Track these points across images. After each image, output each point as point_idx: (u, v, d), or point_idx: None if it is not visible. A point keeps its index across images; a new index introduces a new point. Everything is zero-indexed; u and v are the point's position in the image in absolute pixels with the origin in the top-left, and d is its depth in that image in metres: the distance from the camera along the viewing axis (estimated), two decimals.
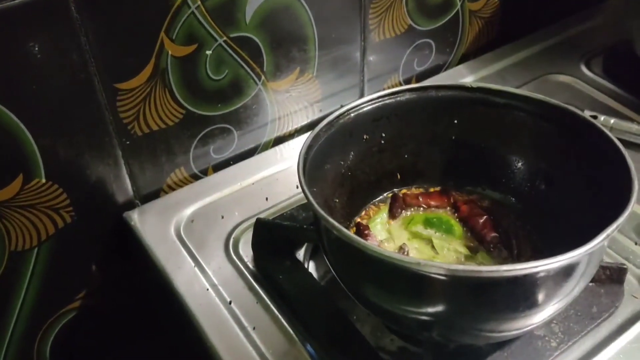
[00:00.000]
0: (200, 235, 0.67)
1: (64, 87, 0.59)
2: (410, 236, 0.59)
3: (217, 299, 0.60)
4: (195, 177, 0.75)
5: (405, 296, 0.47)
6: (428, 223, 0.60)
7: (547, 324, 0.55)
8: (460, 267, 0.43)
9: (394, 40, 0.82)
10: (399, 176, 0.63)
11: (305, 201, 0.48)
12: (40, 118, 0.59)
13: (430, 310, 0.46)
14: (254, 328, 0.57)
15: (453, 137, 0.62)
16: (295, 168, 0.51)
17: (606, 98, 0.84)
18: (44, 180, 0.62)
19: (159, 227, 0.68)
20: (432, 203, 0.62)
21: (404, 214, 0.62)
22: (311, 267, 0.64)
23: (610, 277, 0.58)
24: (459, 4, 0.86)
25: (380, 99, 0.59)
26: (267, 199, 0.71)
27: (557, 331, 0.55)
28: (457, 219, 0.61)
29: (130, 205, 0.71)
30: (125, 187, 0.69)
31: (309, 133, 0.54)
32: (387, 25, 0.80)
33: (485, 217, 0.60)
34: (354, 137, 0.59)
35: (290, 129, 0.80)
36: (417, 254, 0.57)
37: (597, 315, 0.56)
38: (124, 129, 0.65)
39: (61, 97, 0.59)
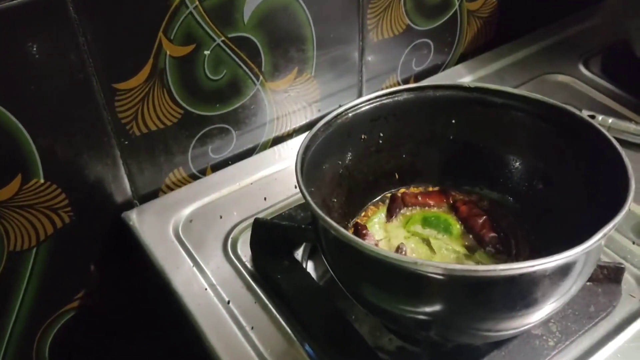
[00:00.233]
0: (198, 235, 0.67)
1: (63, 87, 0.59)
2: (408, 236, 0.59)
3: (215, 299, 0.60)
4: (194, 177, 0.75)
5: (403, 296, 0.47)
6: (426, 222, 0.60)
7: (545, 323, 0.55)
8: (457, 266, 0.44)
9: (392, 40, 0.82)
10: (397, 176, 0.64)
11: (304, 201, 0.48)
12: (38, 118, 0.59)
13: (428, 309, 0.46)
14: (252, 328, 0.57)
15: (451, 137, 0.62)
16: (293, 168, 0.51)
17: (604, 98, 0.84)
18: (42, 181, 0.62)
19: (158, 227, 0.68)
20: (431, 202, 0.62)
21: (402, 214, 0.62)
22: (309, 267, 0.64)
23: (608, 276, 0.58)
24: (457, 3, 0.86)
25: (378, 99, 0.59)
26: (265, 198, 0.71)
27: (555, 330, 0.55)
28: (456, 219, 0.61)
29: (128, 205, 0.71)
30: (123, 187, 0.69)
31: (306, 133, 0.54)
32: (386, 25, 0.80)
33: (484, 217, 0.60)
34: (352, 137, 0.59)
35: (288, 129, 0.80)
36: (414, 253, 0.57)
37: (594, 315, 0.56)
38: (122, 129, 0.65)
39: (60, 97, 0.59)
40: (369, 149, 0.61)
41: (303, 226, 0.63)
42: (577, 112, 0.55)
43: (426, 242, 0.59)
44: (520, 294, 0.44)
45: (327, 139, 0.56)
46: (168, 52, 0.64)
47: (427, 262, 0.43)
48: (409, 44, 0.85)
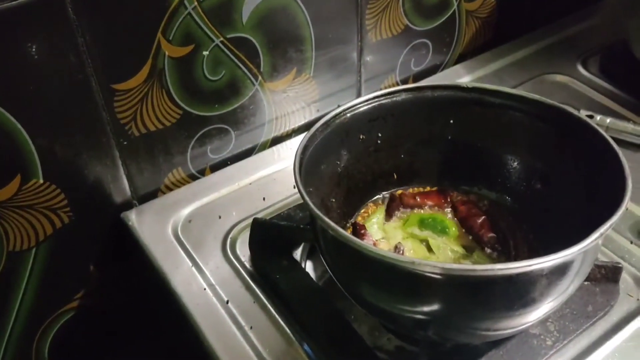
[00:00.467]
0: (197, 235, 0.67)
1: (62, 87, 0.59)
2: (407, 236, 0.60)
3: (214, 299, 0.60)
4: (193, 177, 0.75)
5: (401, 295, 0.47)
6: (423, 224, 0.60)
7: (543, 322, 0.55)
8: (455, 265, 0.44)
9: (390, 41, 0.82)
10: (395, 176, 0.64)
11: (302, 201, 0.48)
12: (38, 119, 0.59)
13: (426, 309, 0.46)
14: (251, 327, 0.57)
15: (449, 137, 0.62)
16: (292, 168, 0.51)
17: (603, 98, 0.84)
18: (41, 181, 0.62)
19: (157, 227, 0.68)
20: (430, 203, 0.62)
21: (400, 214, 0.62)
22: (308, 266, 0.64)
23: (606, 276, 0.58)
24: (455, 4, 0.86)
25: (376, 99, 0.59)
26: (264, 199, 0.71)
27: (553, 330, 0.55)
28: (455, 219, 0.61)
29: (128, 205, 0.71)
30: (122, 187, 0.69)
31: (305, 133, 0.55)
32: (384, 25, 0.80)
33: (483, 217, 0.60)
34: (351, 137, 0.59)
35: (287, 129, 0.80)
36: (413, 254, 0.58)
37: (592, 314, 0.56)
38: (121, 129, 0.65)
39: (59, 97, 0.60)
40: (367, 149, 0.61)
41: (302, 226, 0.63)
42: (575, 112, 0.55)
43: (424, 242, 0.59)
44: (518, 293, 0.44)
45: (326, 139, 0.56)
46: (167, 53, 0.64)
47: (425, 262, 0.43)
48: (408, 44, 0.85)
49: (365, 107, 0.59)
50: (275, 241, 0.63)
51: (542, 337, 0.55)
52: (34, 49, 0.56)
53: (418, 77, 0.90)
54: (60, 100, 0.60)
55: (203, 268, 0.63)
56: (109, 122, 0.64)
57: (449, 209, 0.62)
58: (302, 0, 0.70)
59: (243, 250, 0.65)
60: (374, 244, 0.58)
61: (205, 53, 0.66)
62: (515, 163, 0.61)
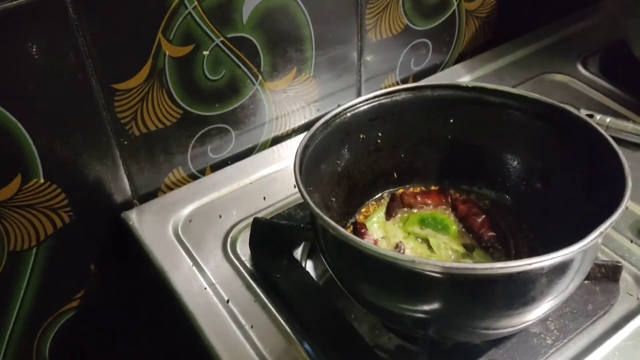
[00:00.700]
0: (198, 234, 0.67)
1: (62, 87, 0.59)
2: (407, 235, 0.60)
3: (214, 298, 0.60)
4: (193, 177, 0.75)
5: (401, 294, 0.47)
6: (423, 223, 0.60)
7: (543, 321, 0.55)
8: (455, 264, 0.44)
9: (390, 40, 0.82)
10: (395, 175, 0.64)
11: (303, 200, 0.48)
12: (38, 118, 0.59)
13: (426, 307, 0.47)
14: (251, 327, 0.57)
15: (449, 137, 0.62)
16: (292, 167, 0.51)
17: (602, 97, 0.84)
18: (42, 180, 0.62)
19: (157, 226, 0.68)
20: (430, 202, 0.62)
21: (400, 213, 0.62)
22: (309, 266, 0.64)
23: (606, 275, 0.58)
24: (455, 3, 0.86)
25: (376, 99, 0.59)
26: (264, 198, 0.71)
27: (553, 328, 0.55)
28: (455, 218, 0.61)
29: (128, 205, 0.71)
30: (123, 187, 0.69)
31: (305, 133, 0.55)
32: (384, 25, 0.80)
33: (483, 216, 0.60)
34: (351, 137, 0.59)
35: (287, 128, 0.80)
36: (413, 253, 0.58)
37: (592, 313, 0.56)
38: (121, 129, 0.65)
39: (59, 97, 0.60)
40: (367, 148, 0.61)
41: (302, 225, 0.63)
42: (575, 111, 0.55)
43: (425, 241, 0.59)
44: (518, 292, 0.45)
45: (326, 139, 0.56)
46: (167, 53, 0.64)
47: (425, 261, 0.43)
48: (408, 43, 0.85)
49: (366, 107, 0.59)
50: (275, 240, 0.63)
51: (542, 335, 0.55)
52: (34, 49, 0.56)
53: (418, 76, 0.90)
54: (61, 100, 0.60)
55: (203, 267, 0.63)
56: (110, 122, 0.64)
57: (449, 208, 0.62)
58: (302, 0, 0.70)
59: (243, 250, 0.65)
60: (375, 243, 0.58)
61: (206, 53, 0.66)
62: (515, 162, 0.61)
